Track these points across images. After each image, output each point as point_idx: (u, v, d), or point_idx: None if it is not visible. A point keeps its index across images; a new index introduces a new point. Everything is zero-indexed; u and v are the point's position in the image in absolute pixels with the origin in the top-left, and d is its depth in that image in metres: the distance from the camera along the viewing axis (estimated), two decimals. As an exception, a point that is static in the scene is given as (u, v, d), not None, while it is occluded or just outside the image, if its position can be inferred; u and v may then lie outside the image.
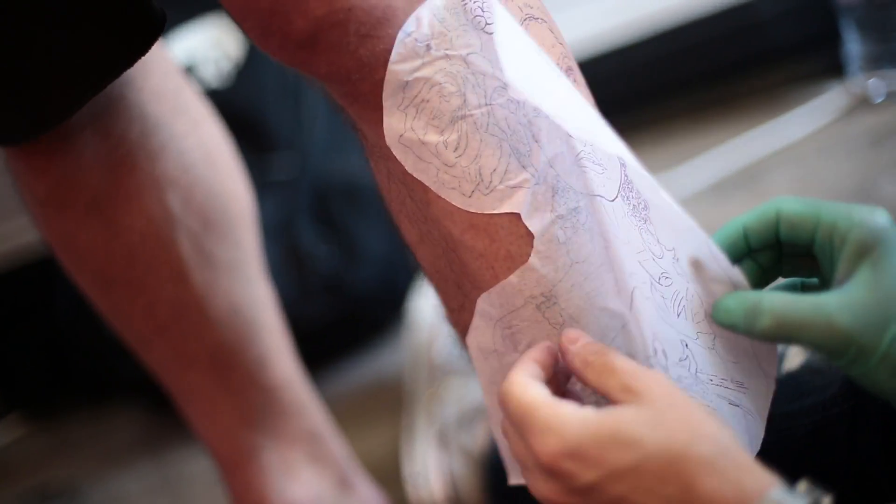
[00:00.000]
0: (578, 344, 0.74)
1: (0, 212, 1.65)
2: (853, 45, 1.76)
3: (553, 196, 0.77)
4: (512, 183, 0.77)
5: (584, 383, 0.73)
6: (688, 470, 0.66)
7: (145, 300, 1.07)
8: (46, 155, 0.98)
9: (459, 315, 0.84)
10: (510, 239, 0.77)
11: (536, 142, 0.77)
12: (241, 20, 0.76)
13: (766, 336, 0.73)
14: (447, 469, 1.28)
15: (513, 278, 0.78)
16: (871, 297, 0.71)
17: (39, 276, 1.60)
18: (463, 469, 1.26)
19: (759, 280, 0.81)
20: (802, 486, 0.67)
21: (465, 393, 1.33)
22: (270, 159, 1.61)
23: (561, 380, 0.77)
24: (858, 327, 0.70)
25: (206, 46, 1.62)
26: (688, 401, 0.69)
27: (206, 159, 1.06)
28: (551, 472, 0.69)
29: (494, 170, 0.77)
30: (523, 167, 0.76)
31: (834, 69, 1.81)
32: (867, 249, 0.72)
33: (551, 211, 0.77)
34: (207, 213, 1.06)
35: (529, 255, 0.77)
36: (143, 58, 0.91)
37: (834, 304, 0.71)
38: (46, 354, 1.75)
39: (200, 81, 1.60)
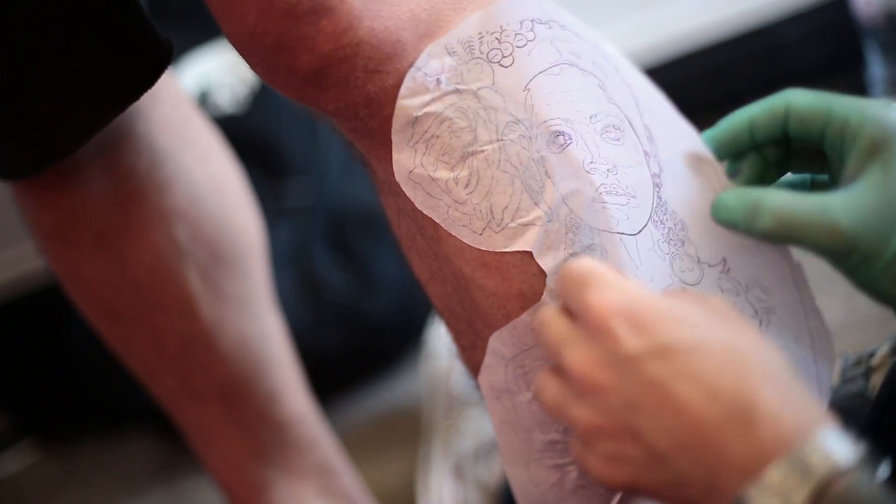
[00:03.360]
0: None
1: (13, 237, 1.65)
2: (877, 68, 1.75)
3: (566, 233, 0.76)
4: (524, 220, 0.76)
5: None
6: (750, 372, 0.61)
7: (153, 334, 1.07)
8: (53, 188, 0.97)
9: (472, 353, 0.83)
10: (522, 277, 0.76)
11: (549, 178, 0.76)
12: (247, 56, 0.75)
13: (766, 236, 0.69)
14: (462, 502, 1.27)
15: (525, 317, 0.77)
16: (879, 199, 0.67)
17: (52, 302, 1.59)
18: (478, 502, 1.26)
19: (765, 175, 0.77)
20: (864, 444, 0.61)
21: (482, 425, 1.32)
22: (286, 185, 1.60)
23: None
24: (863, 231, 0.67)
25: (221, 71, 1.62)
26: (746, 321, 0.65)
27: (215, 191, 1.05)
28: (598, 329, 0.64)
29: (506, 207, 0.75)
30: (535, 204, 0.75)
31: (857, 92, 1.77)
32: (879, 148, 0.69)
33: (564, 249, 0.76)
34: (216, 247, 1.05)
35: (542, 294, 0.76)
36: (151, 89, 0.90)
37: (839, 206, 0.67)
38: (59, 381, 1.75)
39: (215, 107, 1.60)
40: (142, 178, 1.00)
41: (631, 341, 0.63)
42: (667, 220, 0.78)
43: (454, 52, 0.75)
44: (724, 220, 0.71)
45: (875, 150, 0.69)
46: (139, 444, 1.70)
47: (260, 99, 1.61)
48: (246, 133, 1.57)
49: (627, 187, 0.77)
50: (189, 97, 1.09)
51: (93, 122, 0.89)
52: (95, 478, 1.67)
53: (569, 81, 0.78)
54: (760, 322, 0.77)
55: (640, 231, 0.77)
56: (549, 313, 0.69)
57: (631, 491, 0.66)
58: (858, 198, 0.68)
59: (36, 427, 1.78)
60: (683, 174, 0.78)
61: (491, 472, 1.26)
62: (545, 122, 0.76)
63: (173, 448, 1.61)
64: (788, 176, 0.78)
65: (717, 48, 1.85)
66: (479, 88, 0.75)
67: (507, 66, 0.76)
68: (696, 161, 0.78)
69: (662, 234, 0.78)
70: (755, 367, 0.61)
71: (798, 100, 0.73)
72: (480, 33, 0.76)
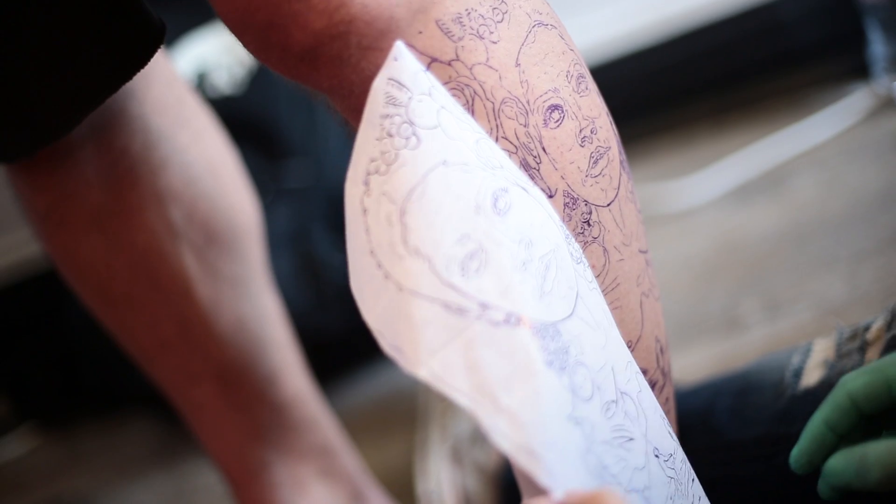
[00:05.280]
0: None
1: (12, 222, 1.65)
2: (878, 46, 1.74)
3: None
4: None
5: None
6: None
7: (149, 316, 1.06)
8: (47, 171, 0.97)
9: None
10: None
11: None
12: (240, 35, 0.74)
13: (880, 487, 0.71)
14: (461, 486, 1.26)
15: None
16: None
17: (52, 286, 1.58)
18: (477, 486, 1.25)
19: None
20: None
21: (479, 407, 1.31)
22: (284, 166, 1.60)
23: None
24: None
25: (218, 53, 1.61)
26: None
27: (209, 172, 1.04)
28: None
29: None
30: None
31: (858, 70, 1.78)
32: None
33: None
34: (211, 228, 1.05)
35: None
36: (144, 69, 0.89)
37: None
38: (59, 365, 1.75)
39: (213, 88, 1.59)
40: (136, 159, 0.99)
41: None
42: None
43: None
44: (840, 482, 0.73)
45: None
46: (139, 428, 1.70)
47: (257, 80, 1.60)
48: (244, 114, 1.57)
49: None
50: (183, 78, 1.08)
51: (85, 103, 0.88)
52: (96, 461, 1.68)
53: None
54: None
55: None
56: None
57: None
58: None
59: (36, 411, 1.79)
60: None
61: (488, 456, 1.25)
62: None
63: (173, 431, 1.61)
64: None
65: (717, 26, 1.84)
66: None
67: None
68: None
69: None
70: None
71: (854, 383, 0.75)
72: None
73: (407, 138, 0.69)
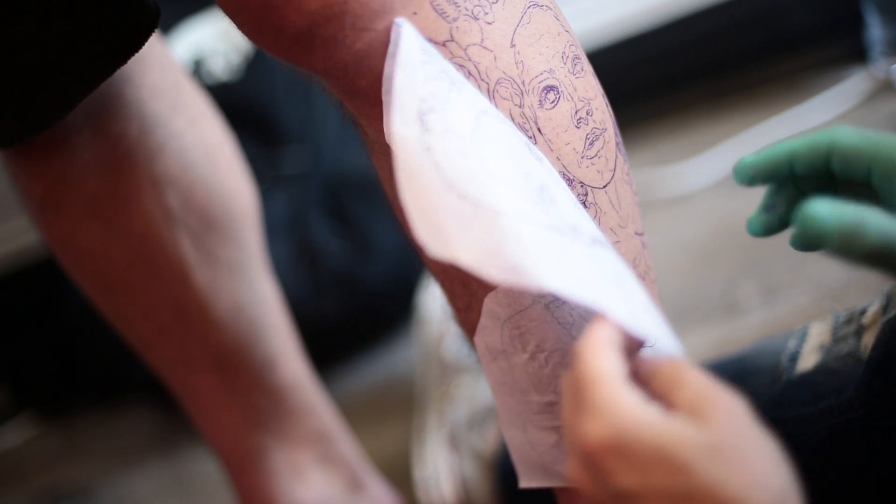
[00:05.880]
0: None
1: (9, 211, 1.65)
2: (875, 30, 1.74)
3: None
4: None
5: (650, 389, 0.67)
6: None
7: (146, 302, 1.06)
8: (43, 156, 0.96)
9: (466, 315, 0.83)
10: (517, 236, 0.75)
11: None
12: (234, 16, 0.74)
13: (868, 257, 0.65)
14: (458, 472, 1.27)
15: (520, 277, 0.76)
16: None
17: (50, 275, 1.59)
18: (474, 472, 1.25)
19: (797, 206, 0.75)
20: None
21: (475, 392, 1.31)
22: (281, 153, 1.60)
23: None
24: None
25: (214, 39, 1.61)
26: (757, 440, 0.63)
27: (206, 157, 1.04)
28: (591, 461, 0.63)
29: (498, 166, 0.74)
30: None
31: (856, 54, 1.78)
32: None
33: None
34: (208, 213, 1.04)
35: None
36: (140, 53, 0.89)
37: None
38: (57, 354, 1.75)
39: (209, 75, 1.59)
40: (132, 144, 0.99)
41: (622, 478, 0.62)
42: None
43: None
44: (812, 231, 0.65)
45: None
46: (137, 416, 1.70)
47: (254, 66, 1.60)
48: (240, 101, 1.57)
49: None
50: (179, 62, 1.08)
51: (79, 88, 0.88)
52: (94, 450, 1.68)
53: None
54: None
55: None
56: (564, 389, 0.68)
57: None
58: None
59: (35, 400, 1.79)
60: None
61: (485, 441, 1.25)
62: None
63: (171, 419, 1.61)
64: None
65: (714, 10, 1.84)
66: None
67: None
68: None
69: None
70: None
71: (843, 139, 0.72)
72: None
73: (451, 83, 0.70)
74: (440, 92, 0.69)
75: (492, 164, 0.69)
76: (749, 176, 0.76)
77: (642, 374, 0.67)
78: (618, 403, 0.63)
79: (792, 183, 0.77)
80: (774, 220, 0.78)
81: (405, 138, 0.68)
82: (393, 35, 0.72)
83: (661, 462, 0.61)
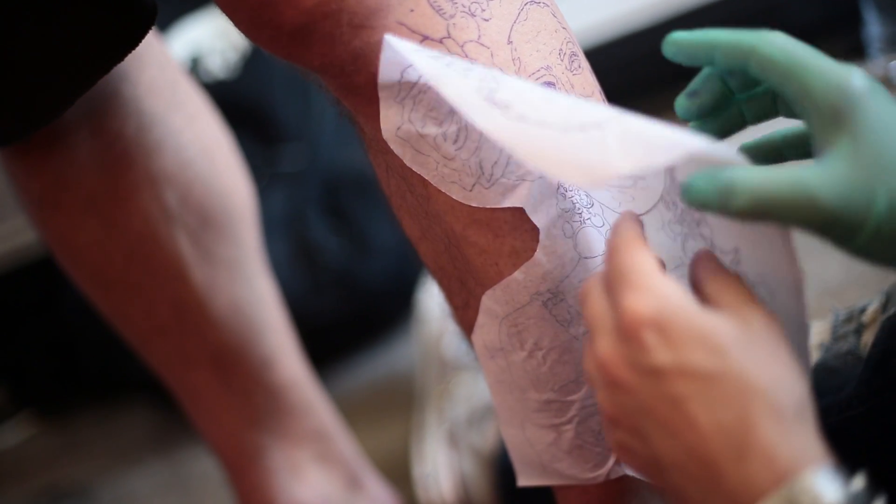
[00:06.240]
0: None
1: (8, 210, 1.65)
2: (873, 27, 1.74)
3: (558, 189, 0.75)
4: (514, 175, 0.74)
5: (698, 287, 0.68)
6: (755, 408, 0.62)
7: (144, 300, 1.06)
8: (41, 155, 0.97)
9: (464, 313, 0.83)
10: (514, 234, 0.75)
11: None
12: (231, 13, 0.74)
13: (741, 216, 0.66)
14: (457, 470, 1.27)
15: (517, 274, 0.76)
16: (854, 170, 0.65)
17: (48, 273, 1.59)
18: (473, 469, 1.25)
19: (722, 103, 0.76)
20: (859, 481, 0.63)
21: (474, 390, 1.31)
22: (279, 151, 1.60)
23: None
24: (842, 203, 0.65)
25: (211, 37, 1.61)
26: (788, 355, 0.65)
27: (204, 154, 1.04)
28: (629, 335, 0.64)
29: (496, 162, 0.74)
30: None
31: (854, 51, 1.78)
32: (844, 118, 0.66)
33: (557, 204, 0.75)
34: (206, 210, 1.05)
35: (534, 250, 0.75)
36: (137, 51, 0.89)
37: (815, 180, 0.65)
38: (56, 353, 1.75)
39: (207, 73, 1.59)
40: (130, 142, 0.99)
41: (658, 354, 0.64)
42: (680, 201, 0.76)
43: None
44: (697, 203, 0.67)
45: (840, 120, 0.66)
46: (137, 415, 1.70)
47: (251, 64, 1.60)
48: (238, 98, 1.57)
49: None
50: (176, 60, 1.08)
51: (76, 85, 0.88)
52: (93, 448, 1.68)
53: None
54: None
55: (648, 212, 0.76)
56: (591, 287, 0.69)
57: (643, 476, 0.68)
58: (833, 169, 0.66)
59: (34, 399, 1.79)
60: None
61: (484, 439, 1.25)
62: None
63: (170, 418, 1.61)
64: (760, 135, 0.77)
65: (712, 7, 1.84)
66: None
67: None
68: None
69: (674, 216, 0.76)
70: (762, 404, 0.62)
71: (765, 47, 0.70)
72: None
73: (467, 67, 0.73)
74: (484, 75, 0.71)
75: (554, 95, 0.72)
76: (671, 52, 0.75)
77: (699, 269, 0.69)
78: (663, 286, 0.65)
79: (719, 77, 0.75)
80: (693, 109, 0.76)
81: (499, 126, 0.69)
82: (386, 58, 0.73)
83: (701, 342, 0.63)
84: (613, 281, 0.67)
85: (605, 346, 0.66)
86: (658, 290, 0.65)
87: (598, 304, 0.68)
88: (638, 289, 0.65)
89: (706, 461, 0.62)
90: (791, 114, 0.75)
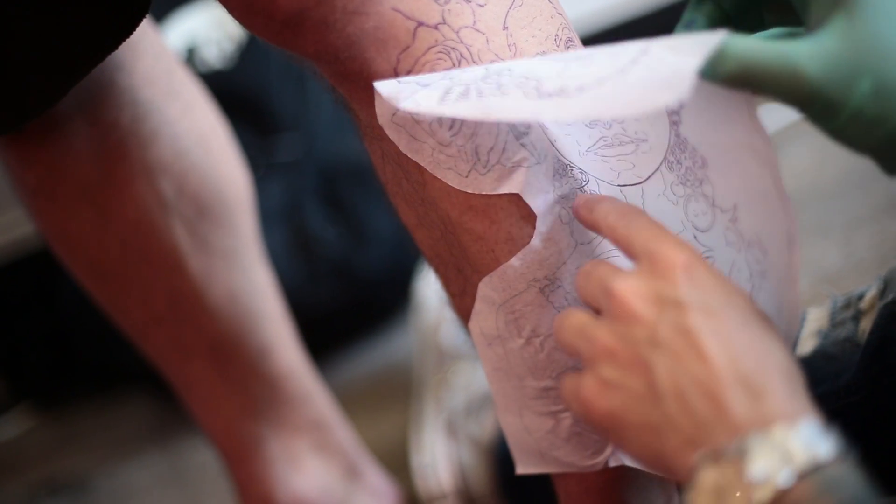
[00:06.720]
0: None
1: (4, 202, 1.65)
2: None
3: (554, 175, 0.75)
4: (510, 161, 0.74)
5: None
6: (772, 362, 0.64)
7: (141, 290, 1.06)
8: (35, 144, 0.96)
9: (461, 300, 0.83)
10: (510, 220, 0.75)
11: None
12: (225, 0, 0.74)
13: (729, 81, 0.67)
14: (455, 459, 1.27)
15: (514, 261, 0.76)
16: (843, 46, 0.65)
17: (44, 265, 1.59)
18: (471, 458, 1.25)
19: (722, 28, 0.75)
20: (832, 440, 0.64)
21: (472, 379, 1.31)
22: (275, 141, 1.60)
23: None
24: (827, 78, 0.65)
25: (207, 27, 1.60)
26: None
27: (200, 144, 1.04)
28: (661, 272, 0.67)
29: (491, 148, 0.74)
30: (522, 145, 0.74)
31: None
32: None
33: (554, 190, 0.75)
34: (202, 200, 1.04)
35: (531, 237, 0.75)
36: (132, 40, 0.88)
37: (803, 52, 0.65)
38: (53, 345, 1.75)
39: (203, 63, 1.59)
40: (125, 131, 0.99)
41: (686, 290, 0.66)
42: (685, 159, 0.76)
43: None
44: None
45: None
46: (134, 406, 1.70)
47: (247, 54, 1.60)
48: (234, 89, 1.56)
49: (636, 133, 0.76)
50: (172, 50, 1.08)
51: (70, 74, 0.88)
52: (92, 440, 1.68)
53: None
54: (753, 286, 0.76)
55: (649, 178, 0.76)
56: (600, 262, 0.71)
57: (606, 423, 0.68)
58: (822, 44, 0.66)
59: (31, 391, 1.79)
60: (707, 105, 0.75)
61: (483, 428, 1.25)
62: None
63: (168, 409, 1.61)
64: (764, 32, 0.76)
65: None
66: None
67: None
68: (721, 91, 0.74)
69: (677, 176, 0.76)
70: (777, 361, 0.64)
71: None
72: None
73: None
74: (517, 74, 0.72)
75: (575, 55, 0.73)
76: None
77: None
78: (693, 248, 0.68)
79: (713, 2, 0.75)
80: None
81: (570, 110, 0.69)
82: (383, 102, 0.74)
83: (721, 288, 0.66)
84: (642, 234, 0.69)
85: (627, 281, 0.68)
86: (687, 245, 0.68)
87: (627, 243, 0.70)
88: (673, 243, 0.68)
89: (715, 391, 0.63)
90: (777, 21, 0.75)
